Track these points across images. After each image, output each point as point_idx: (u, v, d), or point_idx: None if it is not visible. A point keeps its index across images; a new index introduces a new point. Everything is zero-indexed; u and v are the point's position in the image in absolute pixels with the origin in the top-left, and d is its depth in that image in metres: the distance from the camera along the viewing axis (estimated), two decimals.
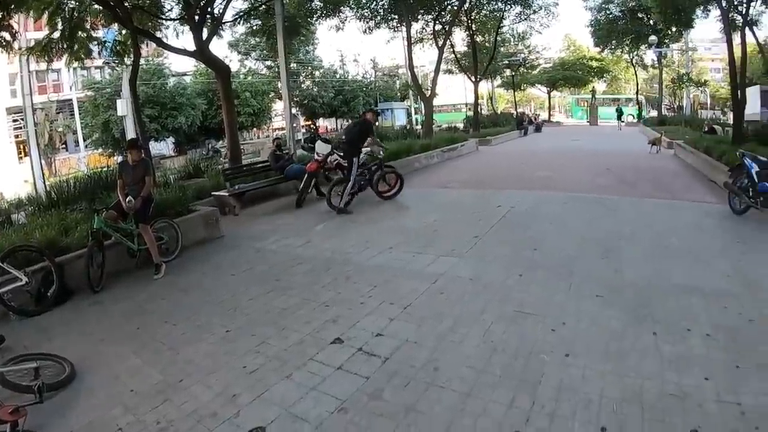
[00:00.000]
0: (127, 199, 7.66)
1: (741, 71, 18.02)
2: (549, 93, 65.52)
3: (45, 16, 13.99)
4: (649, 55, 47.83)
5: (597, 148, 22.98)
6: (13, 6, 12.80)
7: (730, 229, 8.15)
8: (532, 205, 10.05)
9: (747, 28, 18.52)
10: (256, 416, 3.70)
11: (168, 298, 6.67)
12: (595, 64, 59.21)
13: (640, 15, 40.66)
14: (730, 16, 19.14)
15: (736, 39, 18.81)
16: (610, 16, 43.89)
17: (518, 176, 14.25)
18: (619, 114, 46.92)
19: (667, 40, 41.07)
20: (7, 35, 13.74)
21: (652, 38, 39.12)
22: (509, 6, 33.10)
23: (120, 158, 29.88)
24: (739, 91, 17.78)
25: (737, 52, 18.05)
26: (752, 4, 18.67)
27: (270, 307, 5.89)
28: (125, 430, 3.76)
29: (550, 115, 63.09)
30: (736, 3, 19.30)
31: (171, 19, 17.28)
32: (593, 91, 60.67)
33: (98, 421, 3.94)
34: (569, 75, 58.93)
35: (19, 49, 15.67)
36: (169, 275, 7.59)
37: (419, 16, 29.19)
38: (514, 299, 5.40)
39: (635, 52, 48.10)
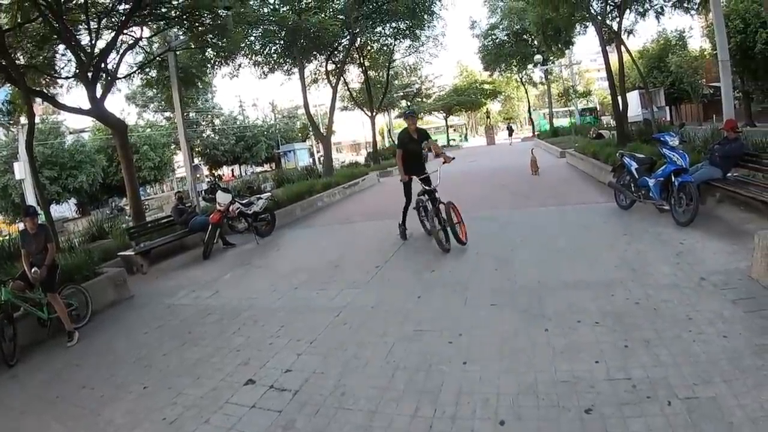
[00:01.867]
0: (32, 270, 7.83)
1: (620, 78, 19.85)
2: (446, 119, 67.92)
3: None
4: (538, 73, 51.49)
5: (493, 167, 24.15)
6: None
7: (617, 223, 9.17)
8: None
9: (623, 38, 20.27)
10: None
11: (83, 363, 6.89)
12: (487, 86, 63.35)
13: (525, 37, 44.82)
14: (604, 30, 20.83)
15: (615, 50, 20.72)
16: (497, 41, 48.27)
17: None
18: (510, 131, 51.06)
19: (552, 57, 43.89)
20: None
21: (537, 57, 42.55)
22: (398, 40, 34.44)
23: (22, 225, 29.15)
24: (619, 97, 19.55)
25: (620, 60, 19.94)
26: (624, 16, 20.35)
27: (184, 359, 6.26)
28: None
29: (448, 140, 65.04)
30: (608, 20, 21.06)
31: (65, 78, 17.24)
32: (488, 113, 64.63)
33: None
34: (463, 100, 62.02)
35: None
36: (82, 341, 7.79)
37: (312, 58, 29.86)
38: (413, 320, 5.97)
39: (524, 72, 52.55)
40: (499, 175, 19.44)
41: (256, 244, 12.56)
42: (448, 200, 8.94)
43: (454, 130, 70.15)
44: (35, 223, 8.30)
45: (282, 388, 4.95)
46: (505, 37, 47.37)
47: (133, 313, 8.78)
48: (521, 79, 54.52)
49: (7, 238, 13.58)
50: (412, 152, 9.97)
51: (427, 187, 9.36)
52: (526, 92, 58.88)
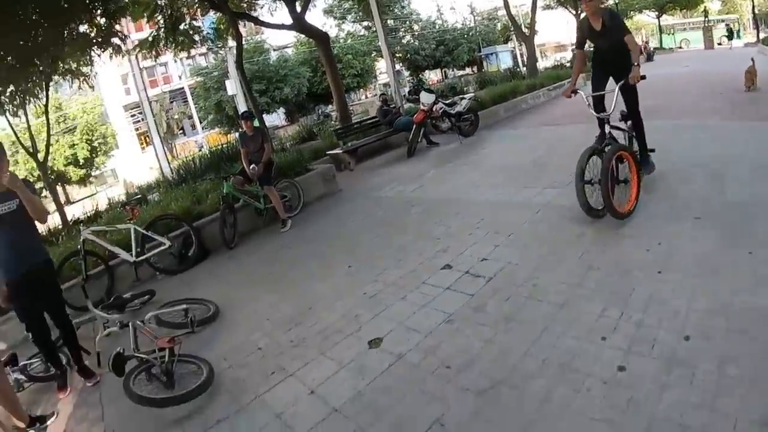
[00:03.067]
0: (251, 167, 8.65)
1: None
2: (658, 18, 61.31)
3: (146, 18, 15.44)
4: None
5: (708, 72, 21.78)
6: (116, 14, 14.08)
7: None
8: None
9: None
10: (374, 330, 4.39)
11: (295, 246, 7.62)
12: None
13: None
14: None
15: None
16: None
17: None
18: (730, 34, 44.21)
19: None
20: (116, 40, 15.10)
21: None
22: None
23: (237, 133, 31.79)
24: None
25: None
26: None
27: (387, 244, 6.61)
28: (264, 349, 4.61)
29: (660, 42, 59.21)
30: None
31: None
32: (705, 12, 56.59)
33: (241, 345, 4.83)
34: None
35: (127, 51, 17.11)
36: (294, 228, 8.58)
37: None
38: (612, 223, 5.63)
39: None
40: (714, 82, 17.54)
41: (459, 144, 12.57)
42: (618, 146, 5.95)
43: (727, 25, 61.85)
44: (252, 126, 9.09)
45: (477, 274, 5.03)
46: None
47: (340, 205, 9.42)
48: None
49: (225, 145, 14.89)
50: (599, 51, 6.84)
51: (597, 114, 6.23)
52: None
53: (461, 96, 14.57)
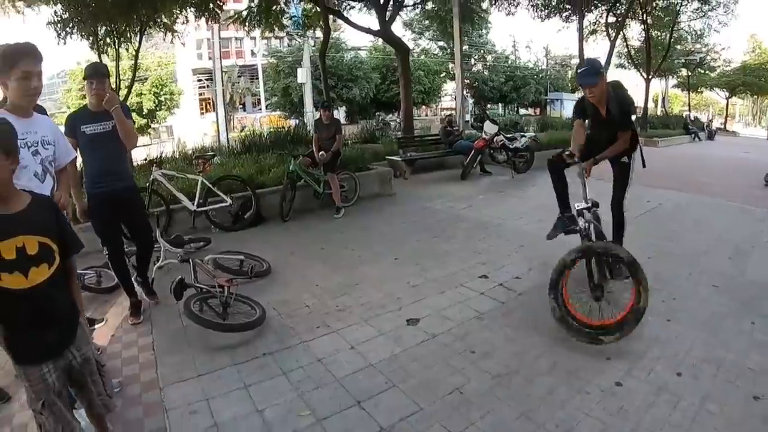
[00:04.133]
0: (320, 153, 9.30)
1: None
2: (727, 99, 60.20)
3: None
4: None
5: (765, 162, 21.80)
6: None
7: None
8: (680, 204, 10.35)
9: None
10: (413, 312, 4.94)
11: (346, 232, 8.24)
12: None
13: None
14: None
15: None
16: None
17: (676, 178, 14.12)
18: None
19: None
20: (216, 8, 15.94)
21: None
22: (685, 1, 31.71)
23: (296, 121, 32.62)
24: None
25: None
26: None
27: (432, 247, 7.19)
28: (311, 308, 5.17)
29: (726, 122, 58.34)
30: None
31: (360, 0, 19.15)
32: None
33: (291, 299, 5.40)
34: (750, 81, 52.21)
35: (220, 20, 18.04)
36: (346, 217, 9.22)
37: (593, 7, 29.02)
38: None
39: None
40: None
41: (511, 177, 13.02)
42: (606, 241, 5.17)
43: None
44: (329, 115, 9.74)
45: (509, 288, 5.57)
46: None
47: (393, 206, 10.03)
48: None
49: (285, 130, 15.64)
50: (593, 139, 5.74)
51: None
52: None
53: (522, 133, 15.10)
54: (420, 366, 3.95)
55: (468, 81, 51.84)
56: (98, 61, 12.84)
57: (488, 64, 55.24)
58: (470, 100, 54.65)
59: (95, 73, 4.69)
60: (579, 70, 5.39)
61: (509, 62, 55.83)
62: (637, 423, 3.27)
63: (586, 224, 5.18)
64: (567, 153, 5.51)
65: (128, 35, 14.96)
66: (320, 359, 4.10)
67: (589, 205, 5.32)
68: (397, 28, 62.04)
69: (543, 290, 5.27)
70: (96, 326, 4.83)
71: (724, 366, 3.98)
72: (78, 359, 2.63)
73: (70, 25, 13.65)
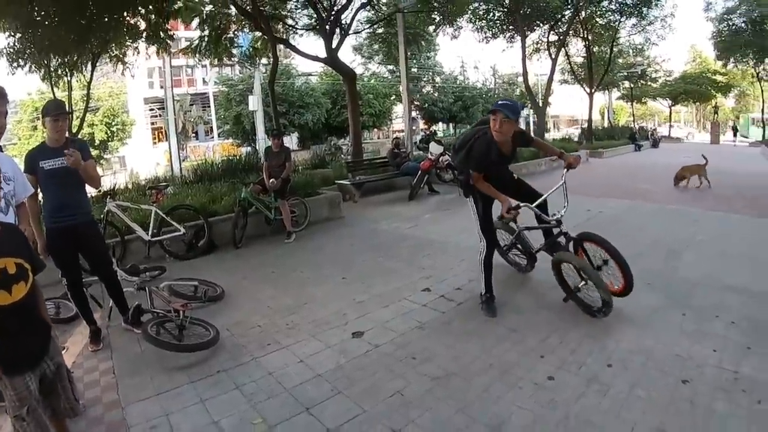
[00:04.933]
0: (270, 180, 9.58)
1: None
2: (670, 108, 61.95)
3: (194, 23, 16.77)
4: None
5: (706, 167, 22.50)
6: (168, 15, 15.24)
7: None
8: (620, 212, 10.87)
9: None
10: (358, 326, 5.29)
11: (296, 256, 8.56)
12: (720, 78, 54.68)
13: (766, 26, 38.19)
14: None
15: None
16: (733, 27, 41.33)
17: (618, 187, 14.98)
18: (735, 131, 45.57)
19: None
20: (167, 39, 16.25)
21: None
22: (624, 17, 32.96)
23: (248, 148, 32.89)
24: None
25: None
26: None
27: (378, 266, 7.56)
28: (262, 327, 5.47)
29: (670, 130, 60.42)
30: None
31: (306, 29, 19.74)
32: (715, 108, 57.83)
33: (243, 321, 5.70)
34: (690, 89, 54.33)
35: (170, 52, 18.40)
36: (297, 241, 9.51)
37: (535, 27, 29.95)
38: None
39: (761, 66, 44.81)
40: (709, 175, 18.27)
41: (458, 195, 13.27)
42: (580, 233, 5.54)
43: None
44: (279, 143, 10.08)
45: (450, 299, 5.98)
46: (743, 24, 40.07)
47: (342, 229, 10.38)
48: (758, 74, 46.12)
49: (237, 158, 15.92)
50: (498, 175, 5.61)
51: (546, 219, 5.56)
52: (762, 90, 48.80)
53: None
54: (364, 374, 4.28)
55: (418, 103, 52.55)
56: (56, 98, 12.98)
57: (437, 85, 56.01)
58: (420, 122, 55.41)
59: (59, 110, 4.90)
60: (500, 102, 5.13)
61: (458, 83, 56.62)
62: (567, 412, 3.62)
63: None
64: (513, 210, 5.03)
65: (80, 66, 15.14)
66: (271, 372, 4.40)
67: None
68: (347, 53, 62.62)
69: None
70: None
71: (653, 355, 4.36)
72: (51, 368, 2.94)
73: (24, 56, 13.79)
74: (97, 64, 16.13)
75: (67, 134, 5.06)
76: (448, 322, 5.34)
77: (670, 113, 63.29)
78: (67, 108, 5.08)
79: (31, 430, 2.80)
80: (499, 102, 5.09)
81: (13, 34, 13.35)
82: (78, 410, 3.19)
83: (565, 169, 5.46)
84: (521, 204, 5.24)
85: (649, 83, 54.78)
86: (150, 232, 8.39)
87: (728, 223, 9.87)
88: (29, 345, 2.80)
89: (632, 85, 52.97)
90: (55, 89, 15.34)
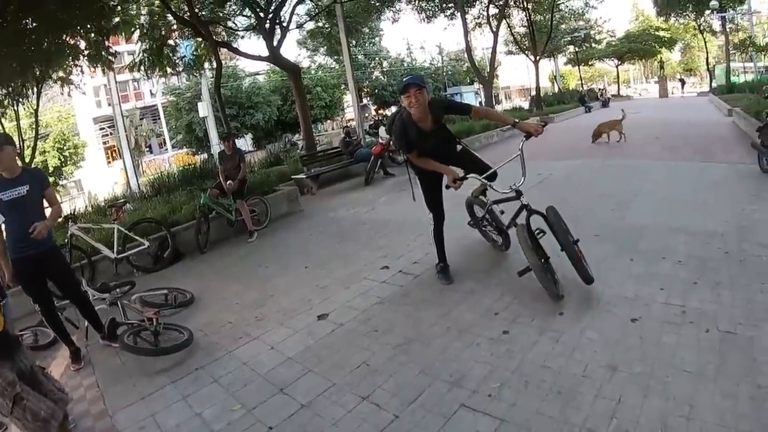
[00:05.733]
0: (227, 182, 9.78)
1: None
2: (617, 67, 62.61)
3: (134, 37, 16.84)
4: (717, 21, 44.26)
5: (654, 119, 23.39)
6: (108, 32, 15.30)
7: (749, 185, 8.53)
8: (570, 172, 11.31)
9: None
10: (323, 309, 5.63)
11: (260, 252, 8.87)
12: (662, 33, 55.43)
13: None
14: None
15: None
16: None
17: (567, 148, 15.45)
18: (682, 84, 46.90)
19: (731, 4, 39.43)
20: (109, 56, 16.24)
21: (713, 3, 37.39)
22: None
23: (204, 156, 32.90)
24: None
25: None
26: None
27: (338, 252, 7.89)
28: (233, 323, 5.76)
29: (619, 89, 61.22)
30: None
31: (246, 29, 19.94)
32: (661, 63, 58.70)
33: (214, 320, 5.98)
34: (635, 47, 55.63)
35: (112, 69, 18.43)
36: (259, 239, 9.77)
37: (475, 2, 30.22)
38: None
39: (701, 18, 45.17)
40: (656, 128, 18.55)
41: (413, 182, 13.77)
42: (548, 206, 5.09)
43: None
44: (231, 146, 10.28)
45: (408, 272, 6.34)
46: None
47: (301, 221, 10.69)
48: (699, 26, 46.54)
49: (193, 167, 16.02)
50: (435, 151, 5.46)
51: (500, 190, 5.28)
52: (705, 42, 49.80)
53: None
54: (331, 351, 4.60)
55: (367, 89, 52.70)
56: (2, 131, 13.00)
57: (385, 69, 56.14)
58: (372, 107, 55.52)
59: (7, 143, 5.02)
60: (405, 80, 5.19)
61: (405, 65, 56.77)
62: (522, 360, 3.95)
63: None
64: (459, 180, 5.03)
65: (25, 94, 15.13)
66: (245, 363, 4.69)
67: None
68: (291, 49, 62.26)
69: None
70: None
71: (602, 300, 4.71)
72: (26, 363, 3.28)
73: None
74: (42, 89, 16.09)
75: (20, 164, 5.23)
76: (407, 293, 5.68)
77: (618, 73, 64.15)
78: (8, 139, 5.15)
79: (33, 403, 3.09)
80: (404, 81, 5.17)
81: None
82: (67, 399, 3.55)
83: (524, 139, 5.20)
84: (468, 175, 5.34)
85: (593, 46, 55.45)
86: (115, 250, 8.51)
87: (675, 171, 10.30)
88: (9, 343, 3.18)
89: (577, 49, 53.60)
90: (3, 120, 15.31)
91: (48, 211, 5.32)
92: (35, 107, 15.97)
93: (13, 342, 3.37)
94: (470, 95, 55.59)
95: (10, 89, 14.55)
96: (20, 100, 15.11)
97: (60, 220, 5.14)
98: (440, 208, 5.92)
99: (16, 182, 4.93)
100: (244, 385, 4.31)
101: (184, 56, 20.20)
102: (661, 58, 59.44)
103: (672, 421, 3.04)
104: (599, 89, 53.20)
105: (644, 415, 3.12)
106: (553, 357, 3.92)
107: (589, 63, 61.57)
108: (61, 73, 15.77)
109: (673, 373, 3.50)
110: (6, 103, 15.01)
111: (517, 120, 5.36)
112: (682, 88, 52.29)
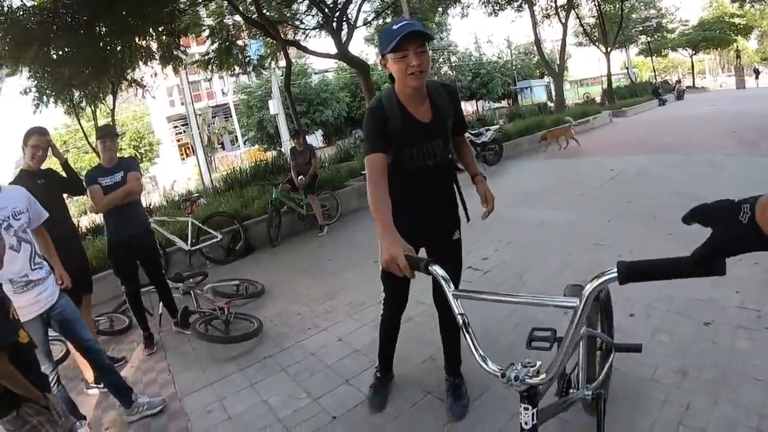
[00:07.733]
0: (299, 177, 9.95)
1: None
2: (691, 57, 58.85)
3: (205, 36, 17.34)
4: None
5: (730, 112, 21.85)
6: (179, 33, 15.81)
7: None
8: (644, 167, 10.98)
9: None
10: None
11: (329, 246, 9.00)
12: (738, 20, 51.88)
13: None
14: None
15: None
16: None
17: (642, 143, 14.96)
18: (756, 74, 45.30)
19: None
20: (181, 54, 16.73)
21: None
22: None
23: (274, 152, 33.40)
24: None
25: None
26: None
27: None
28: (302, 314, 5.85)
29: (694, 81, 58.24)
30: None
31: (313, 28, 20.13)
32: (737, 52, 55.75)
33: (284, 311, 6.09)
34: (710, 35, 52.23)
35: (185, 66, 18.94)
36: (330, 233, 9.92)
37: None
38: (596, 236, 6.78)
39: None
40: (733, 121, 17.76)
41: (483, 170, 13.59)
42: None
43: None
44: (302, 142, 10.46)
45: (477, 268, 6.29)
46: None
47: (371, 217, 10.50)
48: None
49: (265, 162, 16.30)
50: (421, 165, 3.11)
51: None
52: None
53: (487, 127, 15.78)
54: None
55: None
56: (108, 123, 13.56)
57: (454, 65, 55.68)
58: None
59: (103, 132, 5.54)
60: (395, 25, 2.67)
61: (473, 60, 56.20)
62: None
63: None
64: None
65: (101, 96, 15.69)
66: (313, 353, 4.75)
67: None
68: (359, 45, 62.42)
69: (506, 266, 6.07)
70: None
71: (674, 302, 4.55)
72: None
73: (46, 94, 14.36)
74: (118, 91, 16.67)
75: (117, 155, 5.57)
76: (476, 288, 5.60)
77: (692, 62, 61.65)
78: (114, 131, 5.76)
79: None
80: (394, 27, 2.67)
81: (35, 76, 13.92)
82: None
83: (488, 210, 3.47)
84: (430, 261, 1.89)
85: (666, 35, 52.93)
86: (189, 242, 8.82)
87: (753, 167, 9.85)
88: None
89: (649, 39, 51.68)
90: (81, 120, 15.91)
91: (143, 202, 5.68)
92: (112, 108, 16.53)
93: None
94: (541, 88, 53.98)
95: (87, 92, 15.09)
96: (96, 102, 15.66)
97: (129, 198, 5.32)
98: (404, 285, 3.80)
99: (114, 170, 5.35)
100: (311, 375, 4.36)
101: (250, 56, 20.58)
102: (737, 46, 56.39)
103: (741, 430, 2.91)
104: (675, 81, 51.23)
105: (713, 424, 3.00)
106: (621, 359, 3.71)
107: (663, 53, 59.26)
108: (133, 77, 16.32)
109: (744, 381, 3.36)
110: (83, 104, 15.57)
111: (477, 174, 3.49)
112: (757, 78, 49.30)
